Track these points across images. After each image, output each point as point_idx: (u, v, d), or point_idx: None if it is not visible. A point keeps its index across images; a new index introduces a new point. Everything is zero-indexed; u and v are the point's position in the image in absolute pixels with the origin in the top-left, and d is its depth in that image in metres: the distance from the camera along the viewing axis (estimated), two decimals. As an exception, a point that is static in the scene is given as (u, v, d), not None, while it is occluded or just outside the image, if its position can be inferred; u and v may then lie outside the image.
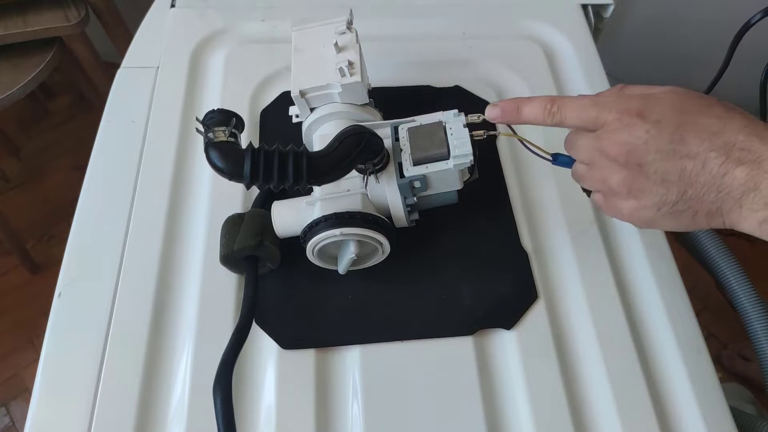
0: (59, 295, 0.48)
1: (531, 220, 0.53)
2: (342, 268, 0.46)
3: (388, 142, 0.45)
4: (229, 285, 0.48)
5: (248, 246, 0.45)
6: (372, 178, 0.45)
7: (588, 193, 0.47)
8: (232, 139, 0.40)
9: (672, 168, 0.34)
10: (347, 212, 0.43)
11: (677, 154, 0.34)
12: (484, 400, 0.44)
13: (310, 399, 0.44)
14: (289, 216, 0.47)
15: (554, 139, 0.50)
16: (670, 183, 0.34)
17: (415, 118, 0.46)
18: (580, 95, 0.39)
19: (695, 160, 0.33)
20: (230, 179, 0.39)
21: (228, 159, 0.39)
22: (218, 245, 0.47)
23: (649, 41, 1.34)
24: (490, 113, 0.42)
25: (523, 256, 0.51)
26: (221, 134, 0.40)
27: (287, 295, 0.48)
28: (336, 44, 0.47)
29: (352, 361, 0.46)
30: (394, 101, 0.54)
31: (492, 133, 0.44)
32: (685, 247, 0.60)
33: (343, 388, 0.45)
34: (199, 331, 0.46)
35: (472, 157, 0.42)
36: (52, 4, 1.06)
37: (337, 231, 0.42)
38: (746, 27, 0.40)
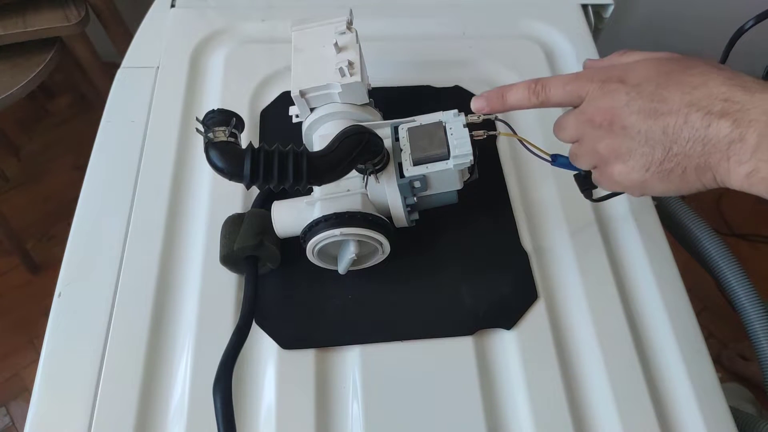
0: (59, 295, 0.48)
1: (531, 220, 0.53)
2: (342, 268, 0.46)
3: (388, 142, 0.45)
4: (229, 285, 0.48)
5: (248, 246, 0.45)
6: (372, 178, 0.45)
7: (588, 195, 0.47)
8: (232, 139, 0.40)
9: (655, 126, 0.34)
10: (347, 212, 0.43)
11: (658, 112, 0.34)
12: (484, 400, 0.44)
13: (310, 399, 0.44)
14: (289, 216, 0.47)
15: (554, 140, 0.50)
16: (654, 141, 0.35)
17: (415, 118, 0.46)
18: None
19: (677, 116, 0.33)
20: (230, 179, 0.39)
21: (228, 159, 0.39)
22: (218, 245, 0.47)
23: (649, 41, 1.35)
24: (475, 105, 0.43)
25: (523, 256, 0.51)
26: (221, 134, 0.40)
27: (287, 295, 0.48)
28: (336, 44, 0.47)
29: (352, 361, 0.46)
30: (394, 101, 0.54)
31: (492, 133, 0.44)
32: (685, 248, 0.60)
33: (343, 388, 0.45)
34: (199, 331, 0.46)
35: (472, 157, 0.42)
36: (52, 4, 1.06)
37: (337, 231, 0.42)
38: (740, 33, 0.40)
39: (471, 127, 0.43)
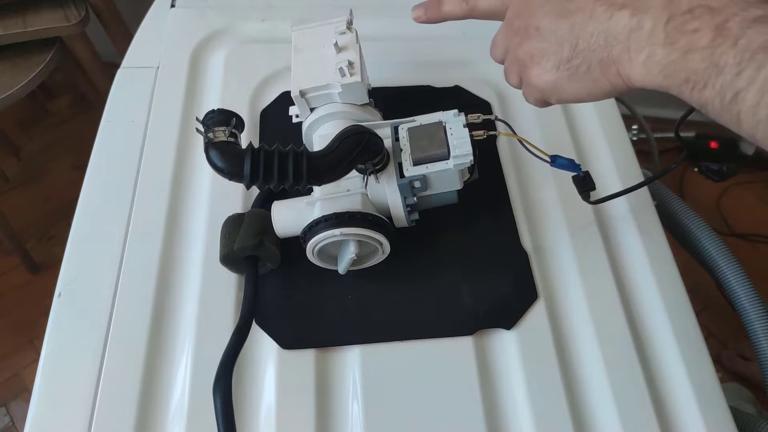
0: (59, 295, 0.48)
1: (531, 220, 0.53)
2: (342, 268, 0.46)
3: (388, 142, 0.45)
4: (229, 285, 0.48)
5: (248, 246, 0.45)
6: (372, 178, 0.45)
7: (586, 197, 0.47)
8: (232, 139, 0.40)
9: (564, 24, 0.36)
10: (347, 212, 0.43)
11: (567, 11, 0.35)
12: (484, 400, 0.44)
13: (310, 399, 0.44)
14: (289, 216, 0.47)
15: (554, 140, 0.50)
16: (563, 39, 0.36)
17: (415, 118, 0.46)
18: None
19: (584, 13, 0.35)
20: (230, 179, 0.39)
21: (228, 159, 0.39)
22: (218, 245, 0.47)
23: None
24: (414, 13, 0.46)
25: (523, 256, 0.51)
26: (221, 134, 0.40)
27: (287, 295, 0.48)
28: (336, 44, 0.47)
29: (352, 361, 0.46)
30: (394, 101, 0.54)
31: (492, 133, 0.44)
32: (685, 247, 0.60)
33: (343, 388, 0.45)
34: (199, 331, 0.46)
35: (472, 157, 0.42)
36: (52, 4, 1.06)
37: (337, 231, 0.42)
38: None
39: (471, 127, 0.43)
